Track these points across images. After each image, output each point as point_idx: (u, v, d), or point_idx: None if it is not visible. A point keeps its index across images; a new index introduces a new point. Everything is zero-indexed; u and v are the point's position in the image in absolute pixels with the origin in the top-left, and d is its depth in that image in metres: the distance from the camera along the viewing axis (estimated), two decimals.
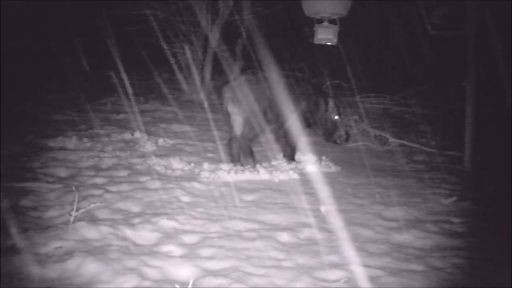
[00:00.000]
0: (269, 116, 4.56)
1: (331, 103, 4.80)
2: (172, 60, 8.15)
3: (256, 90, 4.43)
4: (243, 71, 7.72)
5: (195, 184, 3.85)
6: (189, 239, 2.83)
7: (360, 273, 2.49)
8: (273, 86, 4.49)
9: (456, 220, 3.37)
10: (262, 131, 4.65)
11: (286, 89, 4.55)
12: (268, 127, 4.72)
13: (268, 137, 5.14)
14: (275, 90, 4.49)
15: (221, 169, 4.28)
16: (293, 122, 4.70)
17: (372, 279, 2.44)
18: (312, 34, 4.72)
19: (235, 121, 4.52)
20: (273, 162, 4.72)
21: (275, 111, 4.54)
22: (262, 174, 4.24)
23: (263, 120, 4.53)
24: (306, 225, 3.13)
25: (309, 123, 4.83)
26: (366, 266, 2.57)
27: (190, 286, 2.19)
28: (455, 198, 3.79)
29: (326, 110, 4.78)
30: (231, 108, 4.48)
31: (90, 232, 2.73)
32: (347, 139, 4.88)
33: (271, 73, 4.69)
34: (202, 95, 7.92)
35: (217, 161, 4.65)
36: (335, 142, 4.89)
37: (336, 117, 4.82)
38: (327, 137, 4.90)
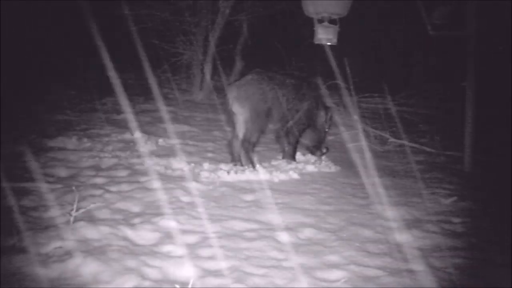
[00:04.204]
0: (273, 116, 4.56)
1: (329, 113, 4.84)
2: (172, 60, 8.15)
3: (261, 90, 4.43)
4: (243, 71, 7.73)
5: (195, 184, 3.85)
6: (189, 239, 2.83)
7: (360, 273, 2.49)
8: (277, 86, 4.49)
9: (456, 220, 3.37)
10: (264, 131, 4.65)
11: (290, 89, 4.56)
12: (270, 127, 4.73)
13: (268, 137, 5.14)
14: (279, 90, 4.50)
15: (221, 169, 4.28)
16: (296, 122, 4.71)
17: (372, 279, 2.44)
18: (312, 34, 4.72)
19: (238, 120, 4.52)
20: (273, 162, 4.72)
21: (279, 111, 4.55)
22: (262, 174, 4.23)
23: (267, 120, 4.53)
24: (306, 225, 3.13)
25: (309, 123, 4.84)
26: (366, 266, 2.57)
27: (190, 286, 2.19)
28: (455, 198, 3.79)
29: (324, 120, 4.83)
30: (236, 108, 4.47)
31: (90, 232, 2.73)
32: (324, 153, 4.92)
33: (275, 73, 4.70)
34: (202, 95, 7.92)
35: (217, 161, 4.65)
36: (314, 154, 4.91)
37: (327, 129, 4.88)
38: (314, 146, 4.91)
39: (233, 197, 3.66)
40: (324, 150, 4.90)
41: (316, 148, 4.91)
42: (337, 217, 3.33)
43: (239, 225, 3.07)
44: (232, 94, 4.47)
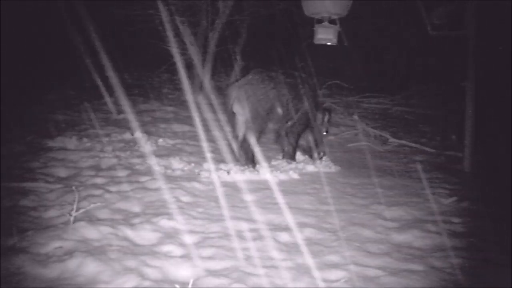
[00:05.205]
0: (273, 116, 4.57)
1: (327, 116, 4.85)
2: (172, 60, 8.15)
3: (262, 90, 4.44)
4: (243, 71, 7.73)
5: (195, 184, 3.85)
6: (189, 239, 2.83)
7: (360, 273, 2.49)
8: (278, 86, 4.50)
9: (456, 220, 3.37)
10: (264, 131, 4.65)
11: (291, 89, 4.56)
12: (270, 127, 4.73)
13: (268, 137, 5.14)
14: (280, 89, 4.50)
15: (221, 169, 4.28)
16: (296, 122, 4.71)
17: (372, 279, 2.44)
18: (312, 34, 4.72)
19: (239, 121, 4.52)
20: (273, 162, 4.72)
21: (280, 111, 4.55)
22: (262, 174, 4.24)
23: (267, 119, 4.53)
24: (306, 225, 3.13)
25: (309, 124, 4.84)
26: (366, 266, 2.57)
27: (190, 286, 2.19)
28: (455, 198, 3.79)
29: (321, 122, 4.83)
30: (236, 108, 4.47)
31: (90, 232, 2.73)
32: (321, 157, 4.90)
33: (276, 73, 4.71)
34: (202, 95, 7.91)
35: (217, 161, 4.65)
36: (310, 156, 4.90)
37: (325, 133, 4.87)
38: (311, 147, 4.90)
39: (233, 197, 3.66)
40: (322, 153, 4.90)
41: (313, 150, 4.91)
42: (337, 217, 3.33)
43: (239, 225, 3.06)
44: (232, 94, 4.47)
